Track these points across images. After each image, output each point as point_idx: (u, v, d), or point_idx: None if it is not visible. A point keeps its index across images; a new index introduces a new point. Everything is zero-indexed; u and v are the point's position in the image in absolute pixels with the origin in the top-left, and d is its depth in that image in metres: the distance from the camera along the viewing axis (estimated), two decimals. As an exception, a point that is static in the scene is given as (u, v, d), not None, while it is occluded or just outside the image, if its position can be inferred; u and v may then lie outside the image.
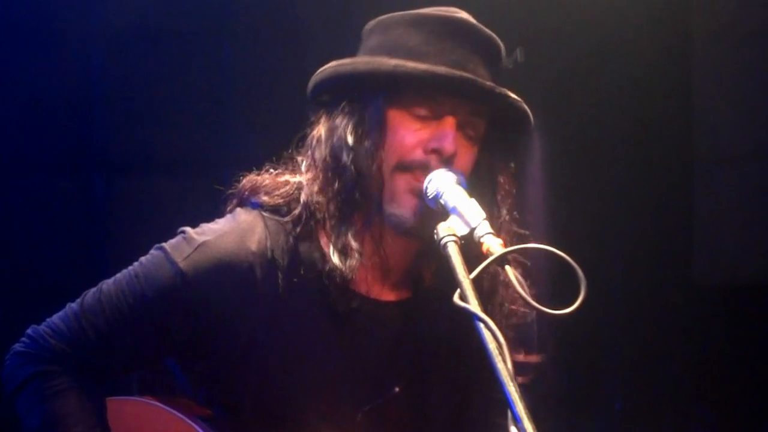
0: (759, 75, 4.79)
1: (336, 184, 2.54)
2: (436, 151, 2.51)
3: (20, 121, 4.50)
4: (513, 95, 2.58)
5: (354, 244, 2.53)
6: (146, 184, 4.64)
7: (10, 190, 4.52)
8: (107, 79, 4.60)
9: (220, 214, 2.68)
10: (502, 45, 2.62)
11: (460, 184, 2.47)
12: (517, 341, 2.59)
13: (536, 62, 4.59)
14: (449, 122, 2.52)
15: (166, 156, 4.67)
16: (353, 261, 2.52)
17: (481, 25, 2.61)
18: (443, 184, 2.46)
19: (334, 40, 3.94)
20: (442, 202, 2.44)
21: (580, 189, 4.94)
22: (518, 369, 2.31)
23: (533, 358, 2.68)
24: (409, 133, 2.53)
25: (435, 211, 2.46)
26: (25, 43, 4.47)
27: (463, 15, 2.62)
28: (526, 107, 2.59)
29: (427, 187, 2.48)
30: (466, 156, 2.56)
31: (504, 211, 2.62)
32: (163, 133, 4.62)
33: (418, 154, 2.52)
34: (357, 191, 2.53)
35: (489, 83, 2.54)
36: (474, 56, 2.55)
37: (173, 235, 2.62)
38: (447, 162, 2.50)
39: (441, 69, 2.50)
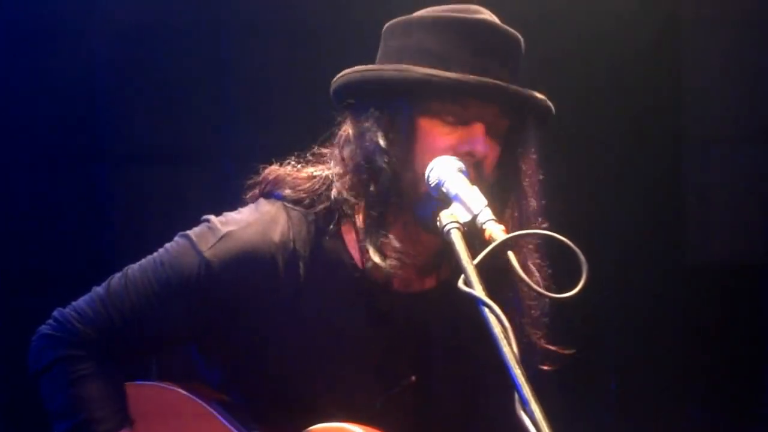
0: (746, 58, 4.84)
1: (372, 187, 2.58)
2: (468, 154, 2.55)
3: (25, 112, 4.53)
4: (538, 95, 2.64)
5: (396, 244, 2.57)
6: (149, 174, 4.66)
7: (15, 180, 4.55)
8: (111, 71, 4.61)
9: (224, 203, 2.73)
10: (521, 40, 2.67)
11: (461, 171, 2.50)
12: (533, 323, 2.65)
13: (527, 47, 4.60)
14: (479, 128, 2.57)
15: (168, 147, 4.69)
16: (393, 261, 2.56)
17: (500, 24, 2.65)
18: (444, 172, 2.50)
19: (336, 35, 3.96)
20: (444, 190, 2.47)
21: (571, 172, 4.96)
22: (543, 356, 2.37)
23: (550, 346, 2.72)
24: (439, 138, 2.57)
25: (438, 199, 2.49)
26: (30, 37, 4.49)
27: (483, 15, 2.64)
28: (549, 104, 2.67)
29: (428, 176, 2.52)
30: (493, 155, 2.61)
31: (531, 198, 2.69)
32: (165, 124, 4.63)
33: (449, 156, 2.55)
34: (392, 194, 2.57)
35: (514, 87, 2.59)
36: (497, 58, 2.59)
37: (184, 225, 2.66)
38: (478, 165, 2.55)
39: (470, 78, 2.54)
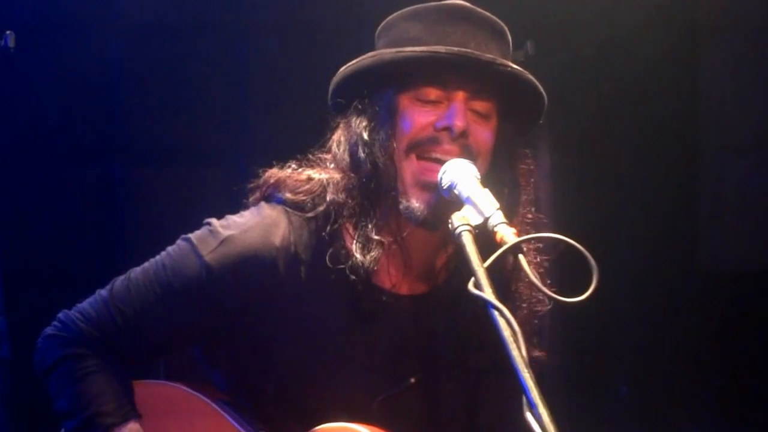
0: (764, 67, 4.84)
1: (355, 180, 2.59)
2: (446, 129, 2.56)
3: (42, 112, 4.57)
4: (516, 66, 2.61)
5: (375, 236, 2.58)
6: (163, 173, 4.69)
7: (32, 179, 4.59)
8: (127, 71, 4.64)
9: (237, 203, 2.74)
10: (502, 24, 2.66)
11: (474, 174, 2.50)
12: (529, 332, 2.63)
13: (546, 54, 4.61)
14: (458, 97, 2.58)
15: (182, 146, 4.72)
16: (375, 253, 2.58)
17: (478, 9, 2.65)
18: (458, 174, 2.50)
19: (349, 33, 3.97)
20: (456, 192, 2.48)
21: (588, 178, 4.97)
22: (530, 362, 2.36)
23: (541, 352, 2.71)
24: (418, 115, 2.58)
25: (449, 202, 2.49)
26: (47, 36, 4.53)
27: (460, 2, 2.67)
28: (531, 78, 2.63)
29: (441, 178, 2.52)
30: (481, 133, 2.60)
31: (522, 190, 2.67)
32: (179, 124, 4.67)
33: (428, 131, 2.57)
34: (373, 183, 2.58)
35: (489, 56, 2.58)
36: (475, 36, 2.60)
37: (197, 225, 2.66)
38: (459, 138, 2.55)
39: (440, 48, 2.56)
